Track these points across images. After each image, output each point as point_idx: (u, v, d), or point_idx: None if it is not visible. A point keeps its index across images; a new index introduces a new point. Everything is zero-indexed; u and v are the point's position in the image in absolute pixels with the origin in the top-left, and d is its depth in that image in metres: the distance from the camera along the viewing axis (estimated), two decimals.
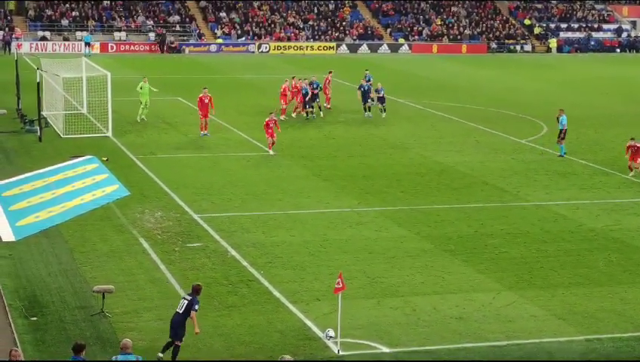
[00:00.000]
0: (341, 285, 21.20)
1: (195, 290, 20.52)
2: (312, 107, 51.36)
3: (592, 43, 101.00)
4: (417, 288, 25.24)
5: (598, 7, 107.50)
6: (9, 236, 21.26)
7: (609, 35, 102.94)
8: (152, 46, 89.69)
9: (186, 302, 20.30)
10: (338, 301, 21.19)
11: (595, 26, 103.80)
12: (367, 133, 47.85)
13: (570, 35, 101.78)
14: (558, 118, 43.15)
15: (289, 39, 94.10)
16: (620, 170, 39.72)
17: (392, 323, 22.78)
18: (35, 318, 22.41)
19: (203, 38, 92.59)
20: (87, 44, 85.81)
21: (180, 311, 20.26)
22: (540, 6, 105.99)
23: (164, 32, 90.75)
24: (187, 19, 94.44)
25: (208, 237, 29.48)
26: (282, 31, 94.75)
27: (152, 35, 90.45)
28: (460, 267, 27.08)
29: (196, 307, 20.29)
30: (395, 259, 27.62)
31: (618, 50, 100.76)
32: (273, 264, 26.97)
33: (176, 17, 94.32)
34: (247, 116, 50.89)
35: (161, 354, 20.36)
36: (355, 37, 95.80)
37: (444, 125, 50.86)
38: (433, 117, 53.54)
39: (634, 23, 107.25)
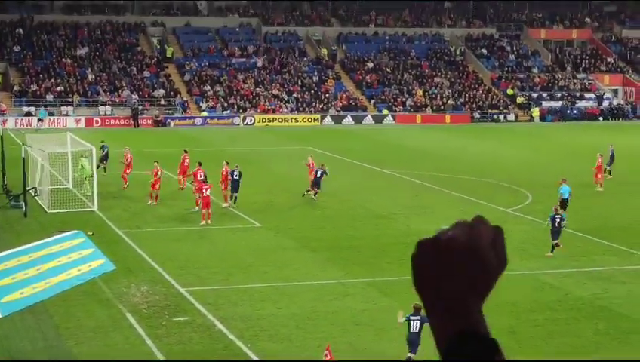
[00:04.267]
0: (329, 357, 21.10)
1: (418, 309, 23.83)
2: None
3: (575, 112, 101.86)
4: None
5: (579, 76, 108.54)
6: None
7: (591, 103, 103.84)
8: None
9: (418, 321, 23.85)
10: None
11: (577, 94, 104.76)
12: (353, 204, 47.90)
13: (552, 104, 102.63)
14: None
15: (274, 111, 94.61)
16: (605, 238, 39.84)
17: None
18: None
19: (188, 111, 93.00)
20: (40, 120, 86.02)
21: (416, 330, 23.96)
22: (522, 76, 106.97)
23: (135, 104, 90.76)
24: (172, 93, 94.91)
25: (195, 311, 29.34)
26: (267, 103, 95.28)
27: (139, 110, 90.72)
28: None
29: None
30: (382, 330, 27.50)
31: (600, 118, 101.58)
32: (260, 337, 26.83)
33: (161, 91, 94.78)
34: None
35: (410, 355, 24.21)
36: (339, 108, 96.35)
37: (429, 195, 50.98)
38: (418, 187, 53.67)
39: (615, 92, 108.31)
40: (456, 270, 2.27)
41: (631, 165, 61.00)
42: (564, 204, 43.01)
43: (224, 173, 46.77)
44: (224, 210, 45.46)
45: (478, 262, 2.27)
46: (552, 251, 37.25)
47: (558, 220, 37.37)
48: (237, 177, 46.51)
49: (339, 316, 28.91)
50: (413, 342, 24.10)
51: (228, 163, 47.61)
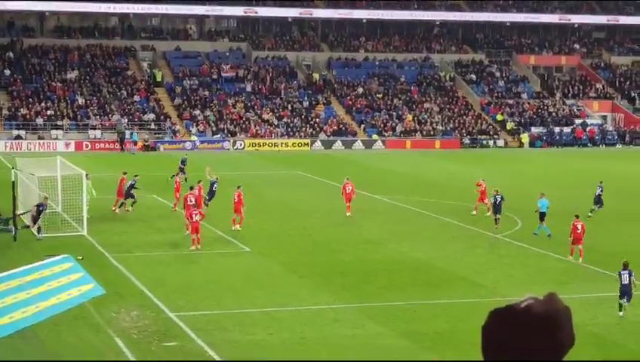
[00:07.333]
0: None
1: (626, 265, 30.77)
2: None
3: (564, 138, 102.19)
4: None
5: (568, 102, 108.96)
6: None
7: (580, 129, 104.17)
8: (127, 144, 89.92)
9: (627, 274, 30.33)
10: None
11: (567, 120, 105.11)
12: (343, 229, 47.92)
13: (541, 129, 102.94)
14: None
15: (264, 136, 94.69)
16: (595, 264, 39.88)
17: None
18: None
19: (178, 135, 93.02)
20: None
21: (626, 282, 30.51)
22: (511, 101, 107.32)
23: (122, 128, 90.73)
24: (162, 117, 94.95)
25: (185, 336, 29.25)
26: (257, 128, 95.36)
27: (126, 133, 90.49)
28: None
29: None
30: (372, 356, 27.46)
31: (589, 144, 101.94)
32: None
33: (151, 115, 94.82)
34: (222, 212, 50.88)
35: None
36: (329, 133, 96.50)
37: (419, 220, 51.01)
38: (408, 212, 53.70)
39: (605, 118, 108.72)
40: (530, 338, 2.21)
41: (618, 192, 61.10)
42: (542, 216, 46.04)
43: (236, 198, 46.69)
44: (215, 235, 45.43)
45: (553, 333, 2.23)
46: (496, 223, 46.73)
47: (498, 199, 46.99)
48: (215, 188, 51.33)
49: (329, 341, 28.86)
50: (626, 292, 30.39)
51: (240, 186, 47.70)
